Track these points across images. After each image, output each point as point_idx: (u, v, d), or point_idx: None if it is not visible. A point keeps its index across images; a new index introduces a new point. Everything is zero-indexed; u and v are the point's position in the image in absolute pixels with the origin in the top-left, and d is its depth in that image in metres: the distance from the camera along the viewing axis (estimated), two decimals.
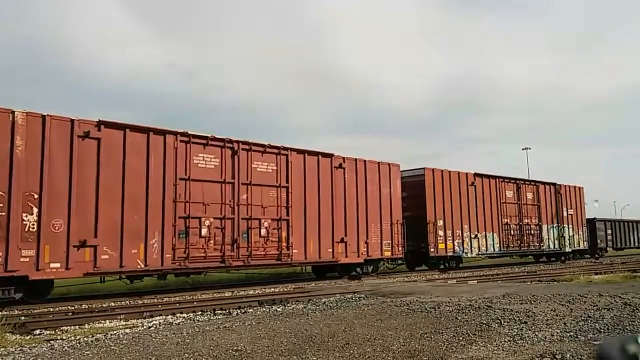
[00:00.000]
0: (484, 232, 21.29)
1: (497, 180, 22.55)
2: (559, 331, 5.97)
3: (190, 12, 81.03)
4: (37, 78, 72.81)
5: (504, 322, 6.59)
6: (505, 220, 22.56)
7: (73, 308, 10.00)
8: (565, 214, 26.66)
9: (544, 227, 24.82)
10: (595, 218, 30.82)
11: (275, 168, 14.38)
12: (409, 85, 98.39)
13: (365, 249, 16.56)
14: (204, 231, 12.62)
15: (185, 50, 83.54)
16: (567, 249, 26.51)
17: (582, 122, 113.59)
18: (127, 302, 10.95)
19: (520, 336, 5.74)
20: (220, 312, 9.04)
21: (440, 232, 19.40)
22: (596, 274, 16.35)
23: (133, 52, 74.45)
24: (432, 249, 18.91)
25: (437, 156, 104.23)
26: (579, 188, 28.33)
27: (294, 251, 14.49)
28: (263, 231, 13.84)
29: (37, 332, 7.37)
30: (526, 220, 23.77)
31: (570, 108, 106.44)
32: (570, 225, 26.99)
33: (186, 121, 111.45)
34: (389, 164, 17.76)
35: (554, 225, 25.64)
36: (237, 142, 13.60)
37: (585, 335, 5.71)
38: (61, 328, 7.67)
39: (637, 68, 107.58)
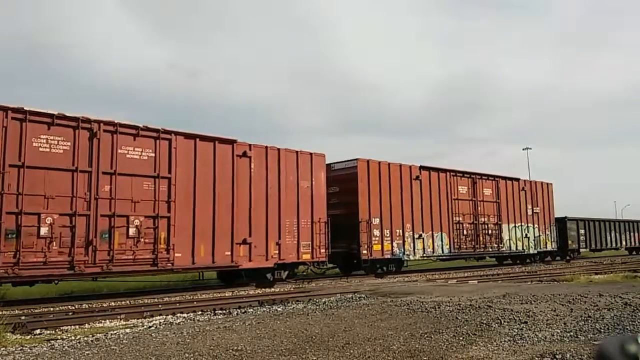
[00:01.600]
0: (430, 232, 18.92)
1: (448, 174, 20.21)
2: (559, 331, 5.97)
3: (190, 12, 78.93)
4: (38, 78, 70.48)
5: (504, 322, 6.58)
6: (458, 218, 20.20)
7: (73, 308, 9.96)
8: (530, 212, 24.41)
9: (505, 226, 22.49)
10: (566, 217, 28.55)
11: (152, 155, 11.97)
12: (408, 85, 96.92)
13: (277, 252, 14.18)
14: (44, 230, 10.20)
15: (186, 50, 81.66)
16: (532, 251, 24.23)
17: (582, 122, 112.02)
18: (127, 301, 10.86)
19: (521, 336, 5.74)
20: (220, 312, 9.03)
21: (376, 232, 17.04)
22: (596, 274, 16.10)
23: (134, 53, 72.47)
24: (364, 251, 16.53)
25: (437, 156, 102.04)
26: (547, 184, 26.10)
27: (177, 255, 12.06)
28: (132, 231, 11.42)
29: (38, 331, 7.31)
30: (483, 219, 21.42)
31: (570, 108, 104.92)
32: (536, 225, 24.71)
33: (186, 121, 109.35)
34: (310, 154, 15.40)
35: (517, 225, 23.35)
36: (98, 122, 11.20)
37: (585, 335, 5.71)
38: (61, 328, 7.61)
39: (637, 68, 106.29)
